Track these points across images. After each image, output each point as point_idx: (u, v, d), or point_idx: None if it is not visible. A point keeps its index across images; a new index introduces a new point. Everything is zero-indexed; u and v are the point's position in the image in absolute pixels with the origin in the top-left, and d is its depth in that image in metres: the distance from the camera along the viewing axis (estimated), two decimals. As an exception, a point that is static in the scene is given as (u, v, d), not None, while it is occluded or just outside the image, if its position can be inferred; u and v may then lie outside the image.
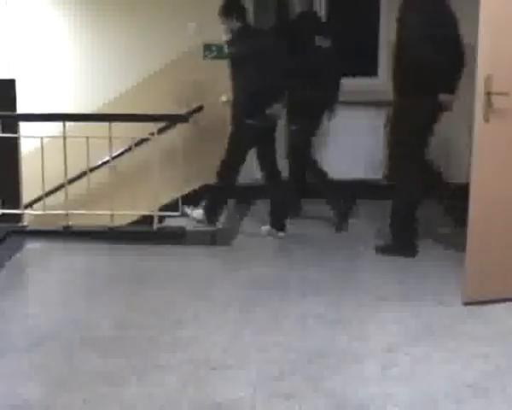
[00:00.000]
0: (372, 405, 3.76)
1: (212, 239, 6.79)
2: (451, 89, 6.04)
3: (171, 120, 7.30)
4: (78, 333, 4.64)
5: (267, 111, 6.62)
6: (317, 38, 7.14)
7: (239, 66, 6.70)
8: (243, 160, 6.90)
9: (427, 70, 5.78)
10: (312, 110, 7.19)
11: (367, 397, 3.84)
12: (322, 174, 7.25)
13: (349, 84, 7.62)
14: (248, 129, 6.66)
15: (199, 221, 6.92)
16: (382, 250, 6.24)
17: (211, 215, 6.95)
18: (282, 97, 6.82)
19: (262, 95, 6.59)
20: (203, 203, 7.01)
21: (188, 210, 6.96)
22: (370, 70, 8.43)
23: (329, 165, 7.54)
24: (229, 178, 6.87)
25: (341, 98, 7.46)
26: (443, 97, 6.02)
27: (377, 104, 8.00)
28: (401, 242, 6.20)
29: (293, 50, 6.92)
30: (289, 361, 4.23)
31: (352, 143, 8.30)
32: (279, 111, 6.82)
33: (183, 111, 7.52)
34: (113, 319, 4.85)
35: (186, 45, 8.26)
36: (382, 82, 8.02)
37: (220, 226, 7.11)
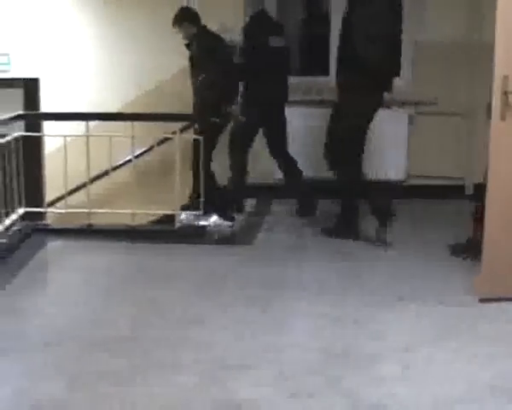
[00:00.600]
0: (390, 405, 3.74)
1: (233, 238, 6.80)
2: (390, 86, 6.46)
3: (193, 119, 7.32)
4: (95, 332, 4.67)
5: (228, 109, 6.79)
6: (270, 37, 7.28)
7: (198, 69, 7.09)
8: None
9: (374, 69, 6.08)
10: (260, 105, 7.23)
11: (385, 397, 3.82)
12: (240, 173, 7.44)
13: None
14: (213, 127, 6.95)
15: (218, 225, 6.94)
16: (326, 232, 6.55)
17: (225, 215, 7.02)
18: (237, 97, 7.11)
19: (220, 95, 6.90)
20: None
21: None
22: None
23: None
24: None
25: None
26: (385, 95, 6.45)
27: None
28: (344, 224, 6.47)
29: (246, 50, 7.24)
30: (306, 361, 4.23)
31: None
32: (237, 110, 7.10)
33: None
34: (129, 319, 4.87)
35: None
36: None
37: (242, 225, 7.13)
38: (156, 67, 8.27)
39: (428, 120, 8.14)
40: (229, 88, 6.97)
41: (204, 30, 7.26)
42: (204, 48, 7.14)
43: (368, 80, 6.06)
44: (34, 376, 4.10)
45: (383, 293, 5.33)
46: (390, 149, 8.29)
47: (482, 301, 5.05)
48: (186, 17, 7.25)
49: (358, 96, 6.14)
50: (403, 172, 8.33)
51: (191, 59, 7.29)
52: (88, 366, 4.19)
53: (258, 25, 7.33)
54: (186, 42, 7.34)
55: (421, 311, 4.99)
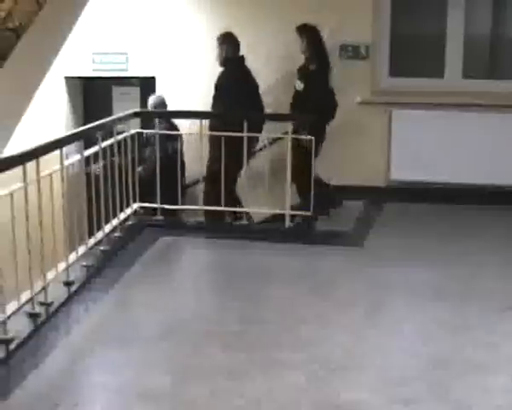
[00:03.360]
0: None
1: (343, 239, 6.78)
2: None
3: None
4: (205, 326, 4.76)
5: None
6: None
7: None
8: None
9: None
10: None
11: (491, 409, 3.77)
12: None
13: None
14: None
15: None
16: None
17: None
18: None
19: None
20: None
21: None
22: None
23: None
24: None
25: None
26: None
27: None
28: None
29: None
30: (411, 367, 4.20)
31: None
32: None
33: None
34: (238, 314, 4.94)
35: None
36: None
37: (352, 226, 7.12)
38: (271, 66, 8.32)
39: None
40: None
41: None
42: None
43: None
44: (145, 367, 4.22)
45: (496, 300, 5.24)
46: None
47: None
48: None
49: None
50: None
51: None
52: (204, 360, 4.28)
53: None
54: None
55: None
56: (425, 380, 4.03)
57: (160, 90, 8.44)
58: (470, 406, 3.80)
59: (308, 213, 6.78)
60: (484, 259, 6.16)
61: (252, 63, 7.81)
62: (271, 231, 7.03)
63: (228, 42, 7.70)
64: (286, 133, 6.90)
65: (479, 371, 4.17)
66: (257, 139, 7.40)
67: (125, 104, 8.17)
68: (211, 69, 8.33)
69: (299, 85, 7.54)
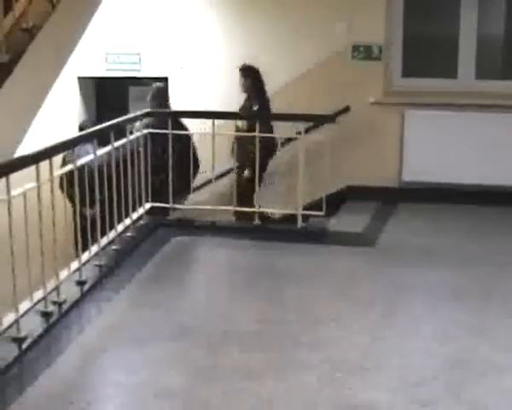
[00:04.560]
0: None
1: (356, 239, 6.75)
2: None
3: (318, 121, 7.32)
4: (221, 326, 4.72)
5: None
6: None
7: None
8: None
9: None
10: None
11: (509, 410, 3.73)
12: None
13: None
14: None
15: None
16: None
17: None
18: None
19: None
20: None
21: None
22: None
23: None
24: None
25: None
26: None
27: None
28: None
29: None
30: (429, 368, 4.15)
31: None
32: None
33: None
34: (254, 315, 4.90)
35: (335, 45, 8.26)
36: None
37: (364, 227, 7.09)
38: (284, 67, 8.31)
39: None
40: None
41: None
42: None
43: None
44: (160, 367, 4.19)
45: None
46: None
47: None
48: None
49: None
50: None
51: None
52: (221, 360, 4.25)
53: None
54: None
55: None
56: (442, 381, 3.99)
57: (173, 90, 8.43)
58: (487, 406, 3.76)
59: (321, 214, 6.77)
60: (504, 259, 6.11)
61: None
62: (284, 231, 7.00)
63: (160, 96, 7.81)
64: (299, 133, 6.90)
65: (497, 372, 4.12)
66: None
67: (140, 104, 8.15)
68: (223, 70, 8.35)
69: (243, 125, 7.65)
